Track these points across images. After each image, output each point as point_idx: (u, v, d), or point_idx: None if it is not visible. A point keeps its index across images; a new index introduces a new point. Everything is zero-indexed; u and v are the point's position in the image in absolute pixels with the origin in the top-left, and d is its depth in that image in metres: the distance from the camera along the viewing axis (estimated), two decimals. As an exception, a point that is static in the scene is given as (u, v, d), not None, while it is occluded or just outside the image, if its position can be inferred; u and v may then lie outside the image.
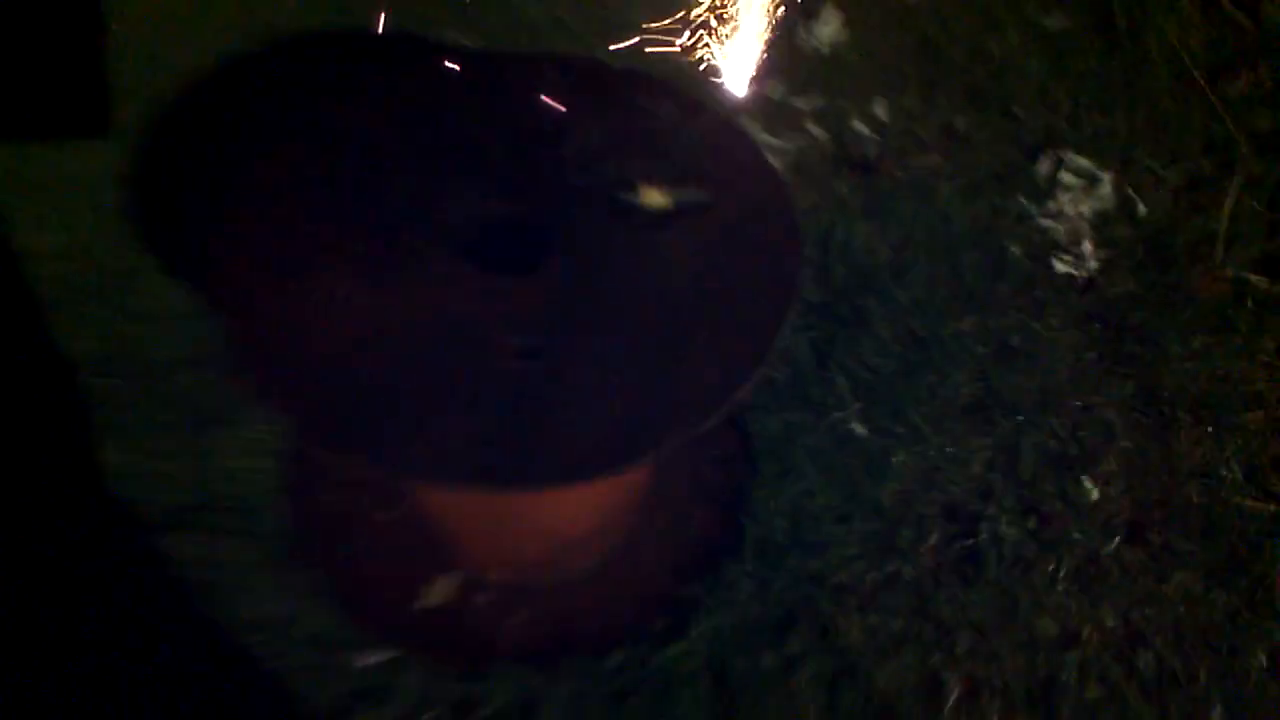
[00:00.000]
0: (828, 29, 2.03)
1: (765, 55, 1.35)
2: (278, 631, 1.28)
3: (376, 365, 0.93)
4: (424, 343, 0.95)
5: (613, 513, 1.34)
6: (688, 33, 1.35)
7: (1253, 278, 1.68)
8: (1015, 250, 1.71)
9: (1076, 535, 1.40)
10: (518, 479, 0.89)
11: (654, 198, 1.01)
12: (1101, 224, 1.74)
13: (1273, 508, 1.43)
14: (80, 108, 1.82)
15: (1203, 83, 1.94)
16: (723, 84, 1.34)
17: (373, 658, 1.26)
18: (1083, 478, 1.45)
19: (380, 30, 1.73)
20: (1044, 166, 1.81)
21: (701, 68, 1.35)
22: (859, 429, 1.48)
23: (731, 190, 1.08)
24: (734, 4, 1.33)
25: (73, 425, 1.46)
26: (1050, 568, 1.38)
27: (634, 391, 0.93)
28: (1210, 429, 1.51)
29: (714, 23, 1.34)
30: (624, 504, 1.35)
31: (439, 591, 1.31)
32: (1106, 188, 1.77)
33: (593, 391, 0.93)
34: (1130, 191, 1.78)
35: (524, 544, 1.32)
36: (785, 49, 1.98)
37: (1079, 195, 1.76)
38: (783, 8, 1.38)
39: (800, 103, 1.91)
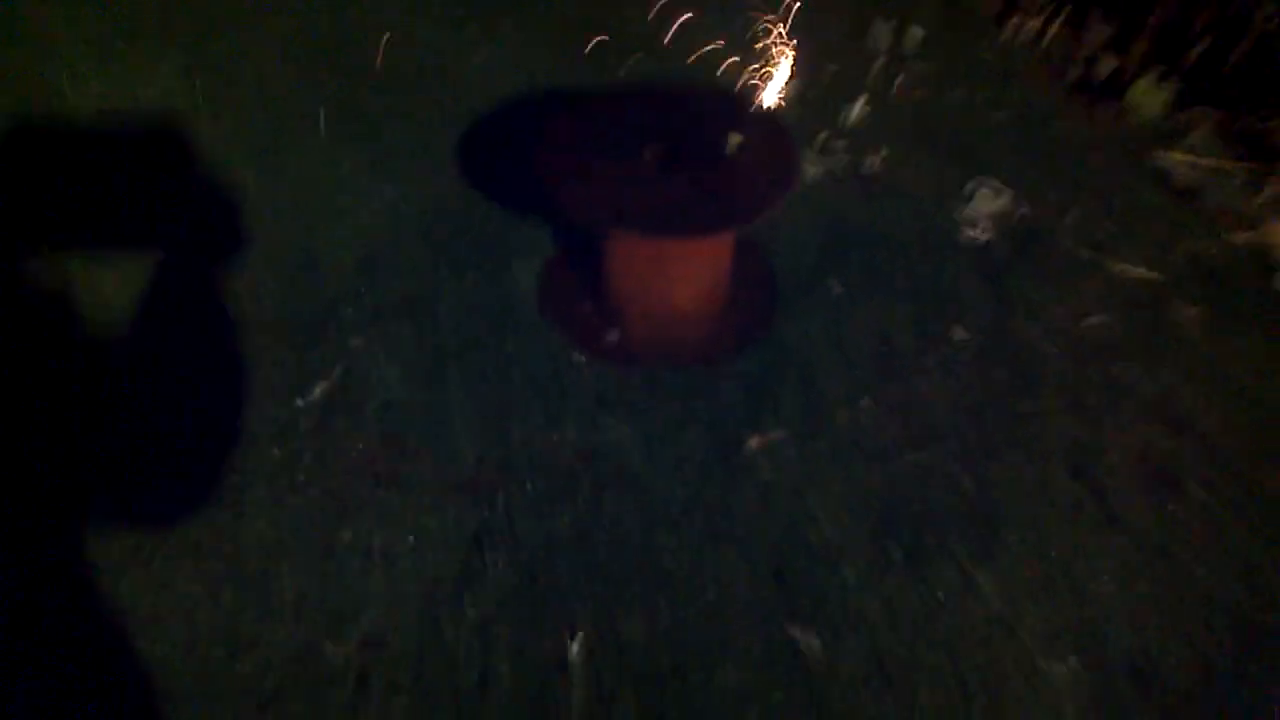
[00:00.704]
0: (857, 109, 3.42)
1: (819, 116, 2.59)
2: (535, 348, 2.66)
3: (612, 197, 2.30)
4: (635, 191, 2.32)
5: (709, 312, 2.67)
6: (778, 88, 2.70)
7: (1084, 251, 2.90)
8: (944, 225, 3.00)
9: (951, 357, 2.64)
10: (678, 229, 2.25)
11: (733, 140, 2.38)
12: (998, 216, 3.01)
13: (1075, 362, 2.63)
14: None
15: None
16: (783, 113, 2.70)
17: (579, 359, 2.62)
18: (954, 328, 2.69)
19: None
20: (970, 185, 3.11)
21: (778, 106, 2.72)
22: (836, 289, 2.79)
23: (768, 140, 2.43)
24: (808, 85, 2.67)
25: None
26: (926, 359, 2.62)
27: (724, 202, 2.27)
28: (1041, 333, 2.72)
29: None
30: (715, 310, 2.68)
31: (612, 337, 2.66)
32: (1006, 198, 3.05)
33: (706, 202, 2.27)
34: (1021, 200, 3.06)
35: (660, 320, 2.66)
36: (832, 114, 3.39)
37: (988, 200, 3.04)
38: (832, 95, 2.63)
39: (836, 144, 3.29)
